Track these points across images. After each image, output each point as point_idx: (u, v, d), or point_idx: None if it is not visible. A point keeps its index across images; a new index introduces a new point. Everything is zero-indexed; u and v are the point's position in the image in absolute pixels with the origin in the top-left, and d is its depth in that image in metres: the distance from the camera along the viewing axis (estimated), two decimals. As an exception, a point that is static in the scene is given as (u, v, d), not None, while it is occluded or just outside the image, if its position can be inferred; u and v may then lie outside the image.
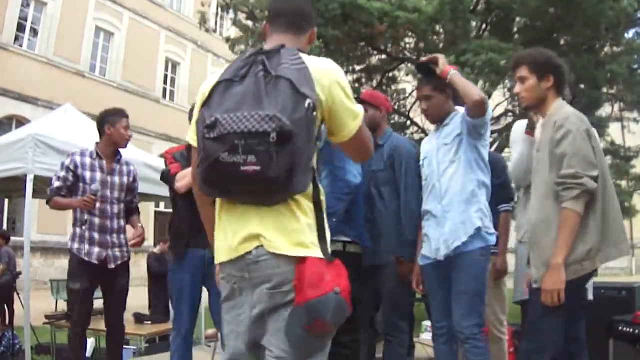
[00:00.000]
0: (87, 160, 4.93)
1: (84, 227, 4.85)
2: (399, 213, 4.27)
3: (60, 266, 19.95)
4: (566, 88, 3.40)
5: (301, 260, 2.12)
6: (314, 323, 2.08)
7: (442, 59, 3.77)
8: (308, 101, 2.08)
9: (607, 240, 3.04)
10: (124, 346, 5.37)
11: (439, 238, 3.77)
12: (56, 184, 4.85)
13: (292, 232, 2.16)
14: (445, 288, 3.79)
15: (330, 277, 2.14)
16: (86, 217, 4.84)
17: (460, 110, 3.85)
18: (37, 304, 6.71)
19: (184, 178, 4.24)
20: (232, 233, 2.24)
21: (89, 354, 6.97)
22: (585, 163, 2.99)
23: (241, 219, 2.23)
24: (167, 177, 4.51)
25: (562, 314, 3.00)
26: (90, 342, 7.07)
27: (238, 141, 2.04)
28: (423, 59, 4.07)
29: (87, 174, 4.88)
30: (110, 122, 4.99)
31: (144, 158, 7.72)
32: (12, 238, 19.38)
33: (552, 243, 3.00)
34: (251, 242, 2.18)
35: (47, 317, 7.09)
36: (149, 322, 6.80)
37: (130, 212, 5.20)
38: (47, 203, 4.91)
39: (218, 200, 2.34)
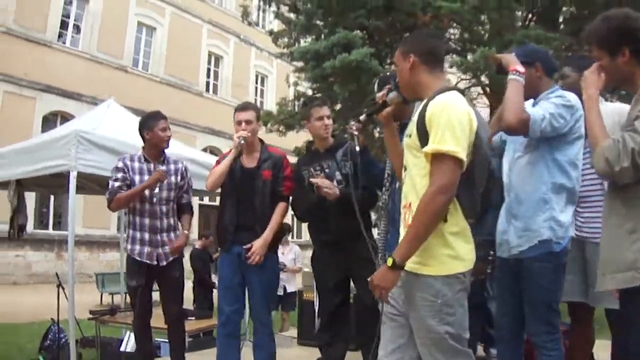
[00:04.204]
0: (136, 165, 5.11)
1: (135, 229, 5.06)
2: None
3: (105, 259, 20.28)
4: None
5: None
6: None
7: (503, 58, 3.51)
8: None
9: None
10: (165, 341, 5.44)
11: (502, 235, 3.57)
12: (115, 184, 4.98)
13: None
14: (511, 287, 3.55)
15: None
16: (137, 219, 5.06)
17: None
18: (83, 297, 6.75)
19: (209, 177, 4.74)
20: (472, 243, 2.82)
21: (130, 348, 6.98)
22: None
23: (469, 232, 2.81)
24: None
25: None
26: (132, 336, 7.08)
27: None
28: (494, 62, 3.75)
29: (137, 178, 5.05)
30: (148, 127, 5.14)
31: (187, 152, 7.67)
32: (58, 232, 19.86)
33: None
34: None
35: (91, 312, 7.11)
36: (193, 318, 6.78)
37: (181, 210, 5.35)
38: (109, 205, 5.05)
39: (460, 218, 2.77)
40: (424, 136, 2.72)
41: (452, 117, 2.65)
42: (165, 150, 5.27)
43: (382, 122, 3.37)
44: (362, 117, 3.42)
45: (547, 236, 3.33)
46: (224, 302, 4.70)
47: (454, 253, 2.74)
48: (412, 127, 2.84)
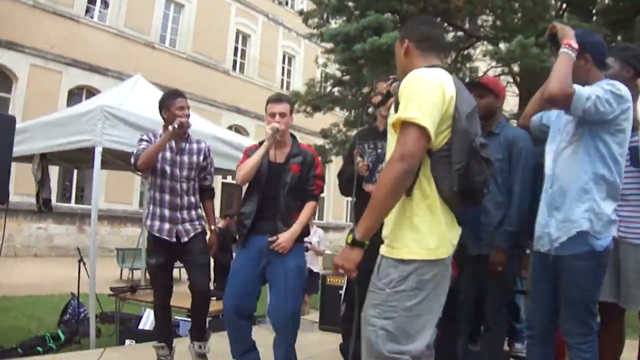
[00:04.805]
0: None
1: (155, 204, 5.03)
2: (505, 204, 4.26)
3: (126, 234, 20.40)
4: None
5: None
6: None
7: (561, 29, 3.39)
8: None
9: None
10: (184, 319, 5.38)
11: (543, 228, 3.45)
12: (140, 146, 4.94)
13: None
14: (547, 284, 3.45)
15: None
16: (157, 195, 5.02)
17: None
18: (102, 272, 6.76)
19: (240, 170, 4.55)
20: (449, 233, 2.65)
21: (149, 326, 6.97)
22: None
23: (453, 221, 2.68)
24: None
25: None
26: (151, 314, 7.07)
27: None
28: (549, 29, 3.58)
29: (159, 154, 4.96)
30: (165, 106, 5.09)
31: (212, 130, 7.62)
32: (80, 206, 19.99)
33: None
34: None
35: (112, 289, 7.11)
36: (213, 298, 6.73)
37: (203, 194, 5.30)
38: (136, 164, 4.95)
39: (436, 201, 2.61)
40: (397, 110, 2.63)
41: (418, 86, 2.56)
42: (190, 129, 5.18)
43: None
44: (369, 110, 3.38)
45: (586, 227, 3.23)
46: (229, 285, 4.55)
47: (418, 237, 2.57)
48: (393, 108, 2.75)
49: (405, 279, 2.55)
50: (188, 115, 5.07)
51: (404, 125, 2.51)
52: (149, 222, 5.02)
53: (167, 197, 4.99)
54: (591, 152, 3.27)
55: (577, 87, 3.17)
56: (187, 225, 5.03)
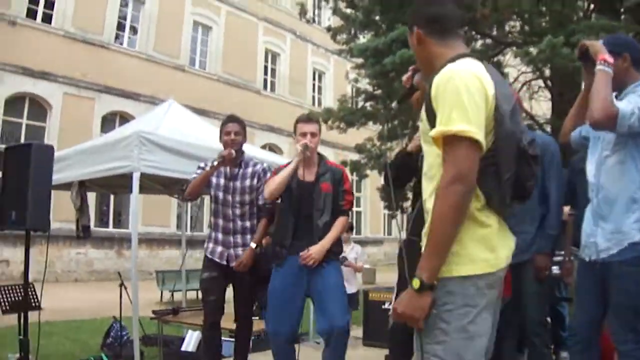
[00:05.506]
0: None
1: (212, 228, 5.28)
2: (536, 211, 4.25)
3: (164, 257, 20.57)
4: None
5: None
6: None
7: (591, 46, 3.27)
8: None
9: None
10: (227, 339, 5.45)
11: (589, 237, 3.39)
12: (194, 175, 5.15)
13: None
14: (593, 292, 3.38)
15: None
16: (213, 219, 5.25)
17: None
18: (143, 295, 6.81)
19: (268, 186, 4.64)
20: (507, 242, 2.36)
21: (193, 347, 7.00)
22: None
23: (506, 231, 2.38)
24: None
25: None
26: (196, 335, 7.11)
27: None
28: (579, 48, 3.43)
29: (213, 180, 5.20)
30: (220, 132, 5.28)
31: (247, 149, 7.65)
32: (118, 230, 20.21)
33: None
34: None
35: (154, 312, 7.16)
36: (256, 318, 6.76)
37: (257, 214, 5.33)
38: (185, 194, 5.23)
39: (488, 212, 2.28)
40: (432, 117, 2.26)
41: (459, 89, 2.16)
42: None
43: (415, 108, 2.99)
44: (393, 104, 3.26)
45: (638, 238, 3.13)
46: (269, 313, 4.59)
47: (462, 250, 2.20)
48: (422, 110, 2.38)
49: (450, 297, 2.20)
50: (235, 141, 5.16)
51: (451, 139, 2.15)
52: (206, 244, 5.26)
53: (220, 221, 5.19)
54: (637, 161, 3.19)
55: (620, 105, 3.09)
56: (239, 250, 5.14)
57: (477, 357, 2.23)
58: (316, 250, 4.44)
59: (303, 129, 4.64)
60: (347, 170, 4.85)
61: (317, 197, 4.56)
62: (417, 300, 2.14)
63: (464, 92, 2.15)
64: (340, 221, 4.64)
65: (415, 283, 2.13)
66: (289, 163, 4.69)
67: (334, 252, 4.62)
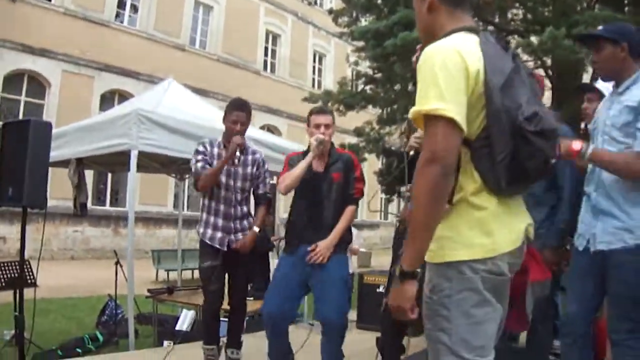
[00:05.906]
0: (215, 150, 5.08)
1: (210, 213, 5.10)
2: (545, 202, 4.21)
3: (161, 236, 20.59)
4: None
5: None
6: None
7: (565, 149, 3.15)
8: None
9: None
10: (222, 319, 5.44)
11: (586, 228, 3.36)
12: (199, 164, 4.97)
13: None
14: (586, 280, 3.36)
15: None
16: (213, 204, 5.09)
17: None
18: (139, 273, 6.84)
19: (284, 180, 4.52)
20: (510, 225, 2.20)
21: (188, 327, 7.02)
22: None
23: (518, 210, 2.28)
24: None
25: None
26: (191, 314, 7.13)
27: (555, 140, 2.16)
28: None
29: (215, 163, 5.00)
30: (224, 115, 5.14)
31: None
32: (115, 208, 20.22)
33: None
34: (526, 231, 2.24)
35: (149, 290, 7.17)
36: (251, 298, 6.78)
37: (257, 200, 5.33)
38: (196, 185, 5.08)
39: (482, 194, 2.16)
40: None
41: (434, 65, 2.04)
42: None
43: None
44: (410, 88, 3.20)
45: None
46: (270, 294, 4.53)
47: (456, 236, 2.13)
48: None
49: (449, 283, 2.13)
50: (241, 131, 5.03)
51: (427, 119, 2.04)
52: (201, 230, 5.09)
53: (222, 207, 5.07)
54: None
55: (637, 147, 3.10)
56: (239, 235, 5.10)
57: (487, 342, 2.17)
58: (324, 246, 4.39)
59: (317, 121, 4.57)
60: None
61: (328, 187, 4.52)
62: (401, 290, 2.08)
63: (440, 69, 2.03)
64: (349, 210, 4.57)
65: (397, 271, 2.09)
66: (304, 153, 4.60)
67: (344, 241, 4.59)
